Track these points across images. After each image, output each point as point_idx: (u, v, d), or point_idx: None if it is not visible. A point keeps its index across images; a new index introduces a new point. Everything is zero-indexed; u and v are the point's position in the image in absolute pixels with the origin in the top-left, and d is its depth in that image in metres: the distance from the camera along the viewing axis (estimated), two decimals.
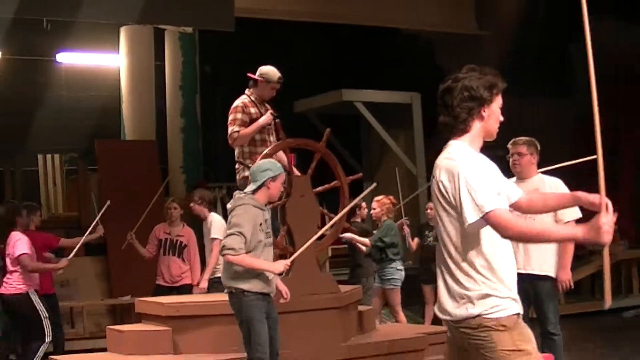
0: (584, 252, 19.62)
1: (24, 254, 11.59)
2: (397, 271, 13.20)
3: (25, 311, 11.69)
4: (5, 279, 11.79)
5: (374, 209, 13.15)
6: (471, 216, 4.92)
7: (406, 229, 14.26)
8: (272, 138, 10.66)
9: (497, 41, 20.53)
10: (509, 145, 9.46)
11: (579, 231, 4.91)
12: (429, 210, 14.41)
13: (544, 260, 9.09)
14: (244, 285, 8.20)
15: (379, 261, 13.21)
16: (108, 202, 13.24)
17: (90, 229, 12.90)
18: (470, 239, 5.05)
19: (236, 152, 10.63)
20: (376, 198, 13.35)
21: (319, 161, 10.72)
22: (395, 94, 18.52)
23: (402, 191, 15.13)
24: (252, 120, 10.41)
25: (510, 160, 9.41)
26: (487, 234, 5.04)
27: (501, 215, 4.90)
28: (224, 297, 9.19)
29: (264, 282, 8.26)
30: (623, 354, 12.00)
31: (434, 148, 16.67)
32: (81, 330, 15.60)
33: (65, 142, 19.11)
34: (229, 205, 8.61)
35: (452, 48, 21.87)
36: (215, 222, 12.08)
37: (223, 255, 8.20)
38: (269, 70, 10.53)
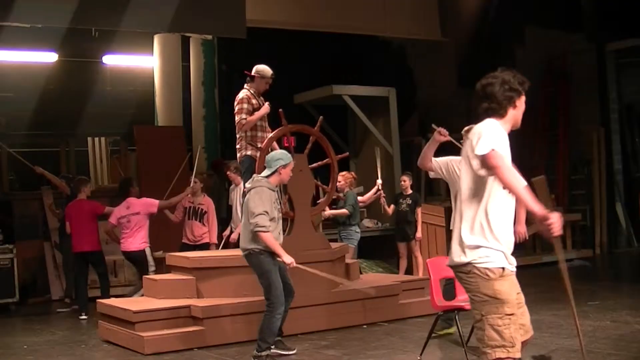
0: (527, 216, 19.60)
1: (157, 201, 12.66)
2: (356, 233, 13.27)
3: (140, 262, 12.38)
4: (126, 238, 12.40)
5: (339, 182, 13.13)
6: (481, 149, 4.95)
7: (382, 199, 14.26)
8: (266, 124, 10.70)
9: (456, 46, 20.47)
10: (463, 132, 9.39)
11: (539, 209, 4.85)
12: (402, 183, 14.41)
13: None
14: (261, 247, 8.36)
15: (342, 224, 13.24)
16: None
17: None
18: (478, 197, 5.10)
19: (239, 135, 10.64)
20: (341, 173, 13.28)
21: (313, 143, 10.72)
22: (375, 88, 18.42)
23: (380, 167, 15.09)
24: (254, 109, 10.43)
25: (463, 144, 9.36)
26: (491, 195, 5.09)
27: (498, 155, 4.90)
28: (237, 252, 9.21)
29: None
30: (557, 296, 11.98)
31: (406, 132, 16.45)
32: (122, 279, 15.60)
33: (110, 127, 19.03)
34: (247, 185, 8.70)
35: (420, 51, 21.83)
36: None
37: (256, 232, 8.31)
38: (264, 68, 10.56)
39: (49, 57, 18.80)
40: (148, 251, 12.47)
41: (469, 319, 8.87)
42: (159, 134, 17.84)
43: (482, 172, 5.04)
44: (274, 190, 8.62)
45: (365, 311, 10.74)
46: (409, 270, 14.50)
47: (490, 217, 5.06)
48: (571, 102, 21.07)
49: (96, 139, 18.12)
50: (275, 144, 10.65)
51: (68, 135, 18.35)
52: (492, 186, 5.09)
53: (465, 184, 5.21)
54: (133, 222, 12.36)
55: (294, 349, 9.06)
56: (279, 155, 8.74)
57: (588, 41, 20.67)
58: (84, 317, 12.65)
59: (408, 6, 19.08)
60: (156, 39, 18.24)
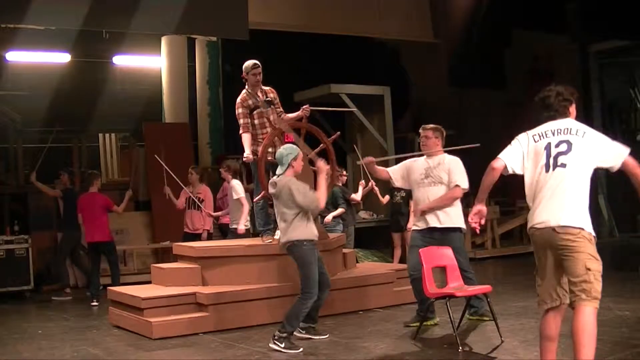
0: (515, 208, 19.61)
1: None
2: (338, 224, 13.25)
3: (231, 236, 12.67)
4: (224, 215, 13.09)
5: None
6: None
7: (375, 189, 14.30)
8: (272, 117, 10.58)
9: (448, 47, 20.46)
10: (420, 130, 9.44)
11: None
12: None
13: (453, 216, 9.08)
14: (303, 238, 8.53)
15: (324, 217, 13.22)
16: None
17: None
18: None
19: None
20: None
21: (305, 134, 10.63)
22: (370, 87, 18.42)
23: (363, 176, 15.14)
24: (252, 109, 10.38)
25: (420, 141, 9.42)
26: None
27: None
28: (240, 242, 9.19)
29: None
30: None
31: (400, 128, 16.40)
32: (132, 268, 15.64)
33: (120, 124, 19.06)
34: (272, 190, 8.65)
35: (413, 52, 21.81)
36: (237, 186, 12.22)
37: (316, 207, 8.58)
38: (246, 64, 10.49)
39: (62, 58, 18.81)
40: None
41: (459, 306, 8.88)
42: (166, 130, 17.83)
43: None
44: None
45: (361, 298, 10.71)
46: (403, 259, 14.48)
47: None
48: None
49: (107, 135, 18.12)
50: (277, 138, 10.61)
51: (80, 132, 18.36)
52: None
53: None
54: (226, 203, 13.00)
55: (327, 334, 9.01)
56: (288, 151, 8.75)
57: (572, 42, 20.68)
58: (95, 303, 12.66)
59: (402, 10, 19.11)
60: (163, 41, 18.23)
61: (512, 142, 6.11)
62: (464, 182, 9.01)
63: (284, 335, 8.35)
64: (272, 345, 8.31)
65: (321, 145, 10.96)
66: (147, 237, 16.48)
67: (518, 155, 6.04)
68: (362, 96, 17.95)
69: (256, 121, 10.43)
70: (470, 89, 21.32)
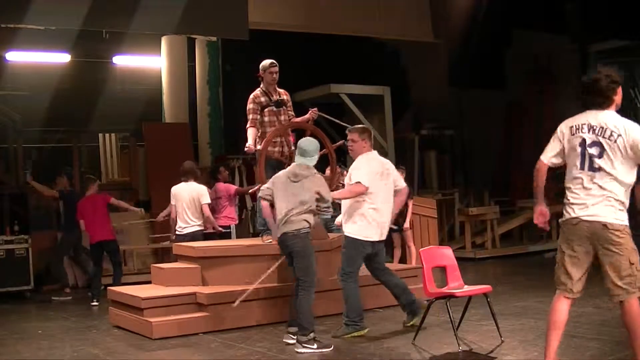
0: (515, 208, 19.61)
1: (234, 187, 13.72)
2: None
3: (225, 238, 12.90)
4: (217, 217, 12.82)
5: None
6: None
7: None
8: (282, 118, 10.69)
9: (448, 47, 20.46)
10: (347, 132, 9.37)
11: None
12: None
13: (346, 222, 9.18)
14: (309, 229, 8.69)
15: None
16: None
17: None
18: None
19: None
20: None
21: (310, 137, 10.66)
22: (370, 87, 18.44)
23: None
24: (263, 106, 10.44)
25: (347, 144, 9.37)
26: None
27: None
28: (241, 242, 9.18)
29: None
30: (544, 284, 11.97)
31: (400, 128, 16.41)
32: (132, 267, 15.64)
33: (120, 124, 19.04)
34: (300, 171, 8.71)
35: (413, 52, 21.80)
36: (171, 194, 12.34)
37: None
38: (263, 63, 10.68)
39: (62, 58, 18.78)
40: (232, 228, 13.42)
41: (459, 306, 8.88)
42: (166, 130, 17.84)
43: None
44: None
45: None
46: (403, 259, 14.49)
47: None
48: (556, 100, 21.09)
49: (107, 135, 18.11)
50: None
51: (80, 132, 18.35)
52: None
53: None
54: (219, 204, 13.03)
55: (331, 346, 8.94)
56: (316, 144, 8.90)
57: (572, 42, 20.67)
58: (95, 303, 12.67)
59: (402, 10, 19.09)
60: (163, 41, 18.22)
61: (553, 136, 6.38)
62: (362, 179, 8.93)
63: (311, 337, 8.31)
64: (302, 351, 8.23)
65: (324, 149, 10.99)
66: (147, 237, 16.47)
67: (556, 149, 6.33)
68: (362, 96, 17.96)
69: (266, 119, 10.56)
70: (470, 89, 21.32)
